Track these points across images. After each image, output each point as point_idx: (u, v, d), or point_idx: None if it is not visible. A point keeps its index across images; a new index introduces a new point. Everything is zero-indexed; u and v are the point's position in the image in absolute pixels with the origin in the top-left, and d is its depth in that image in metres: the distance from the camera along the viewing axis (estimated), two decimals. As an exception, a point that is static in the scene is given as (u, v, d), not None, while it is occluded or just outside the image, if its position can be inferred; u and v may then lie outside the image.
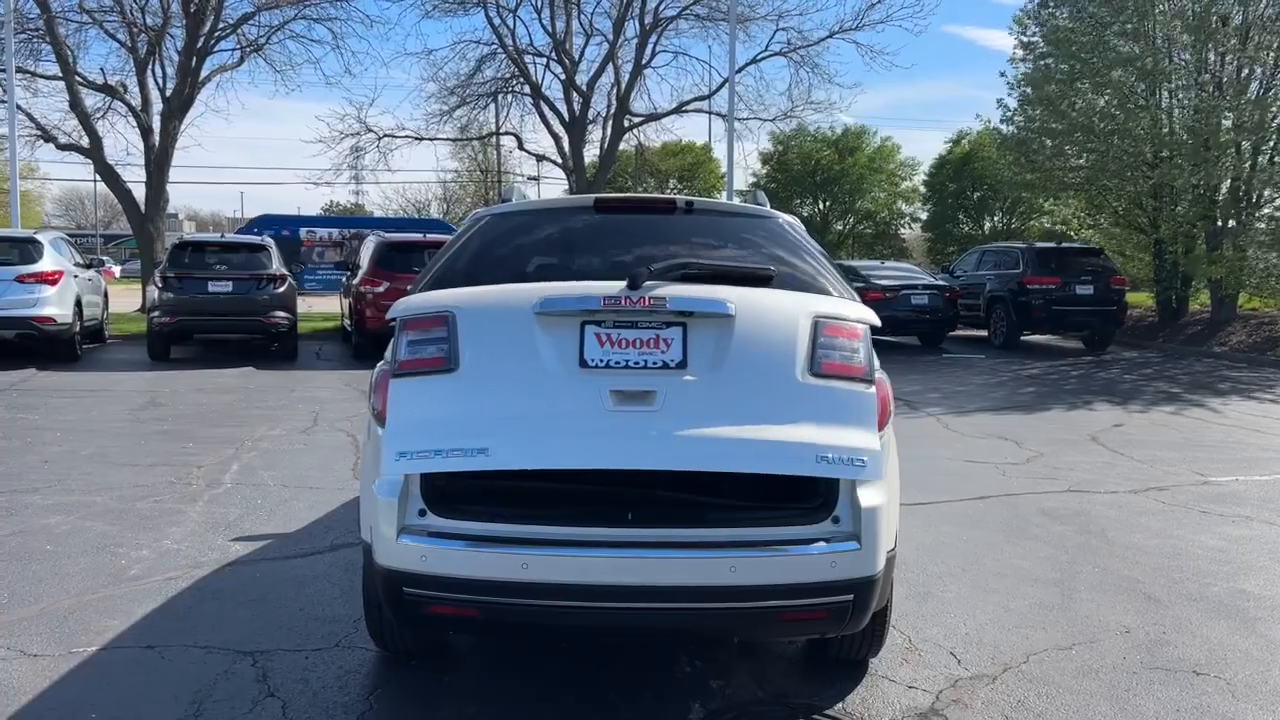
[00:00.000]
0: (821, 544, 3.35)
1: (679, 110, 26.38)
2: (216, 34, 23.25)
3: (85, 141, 22.82)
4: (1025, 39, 21.15)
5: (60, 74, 21.98)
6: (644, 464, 3.24)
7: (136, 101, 23.36)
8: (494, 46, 25.68)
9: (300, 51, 26.03)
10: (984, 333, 19.52)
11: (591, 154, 28.02)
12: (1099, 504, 7.02)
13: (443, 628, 3.76)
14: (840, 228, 49.48)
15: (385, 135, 27.24)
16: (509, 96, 27.48)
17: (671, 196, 3.96)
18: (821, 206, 49.16)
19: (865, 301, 14.94)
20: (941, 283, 18.96)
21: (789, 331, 3.41)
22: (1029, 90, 20.89)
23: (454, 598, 3.33)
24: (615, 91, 26.37)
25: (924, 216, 47.71)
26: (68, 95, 22.02)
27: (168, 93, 22.77)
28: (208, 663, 4.05)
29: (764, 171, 48.78)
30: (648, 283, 3.41)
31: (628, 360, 3.34)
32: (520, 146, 28.68)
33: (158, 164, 22.55)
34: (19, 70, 22.52)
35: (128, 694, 3.77)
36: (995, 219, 43.33)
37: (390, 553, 3.37)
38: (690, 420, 3.27)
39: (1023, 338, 19.03)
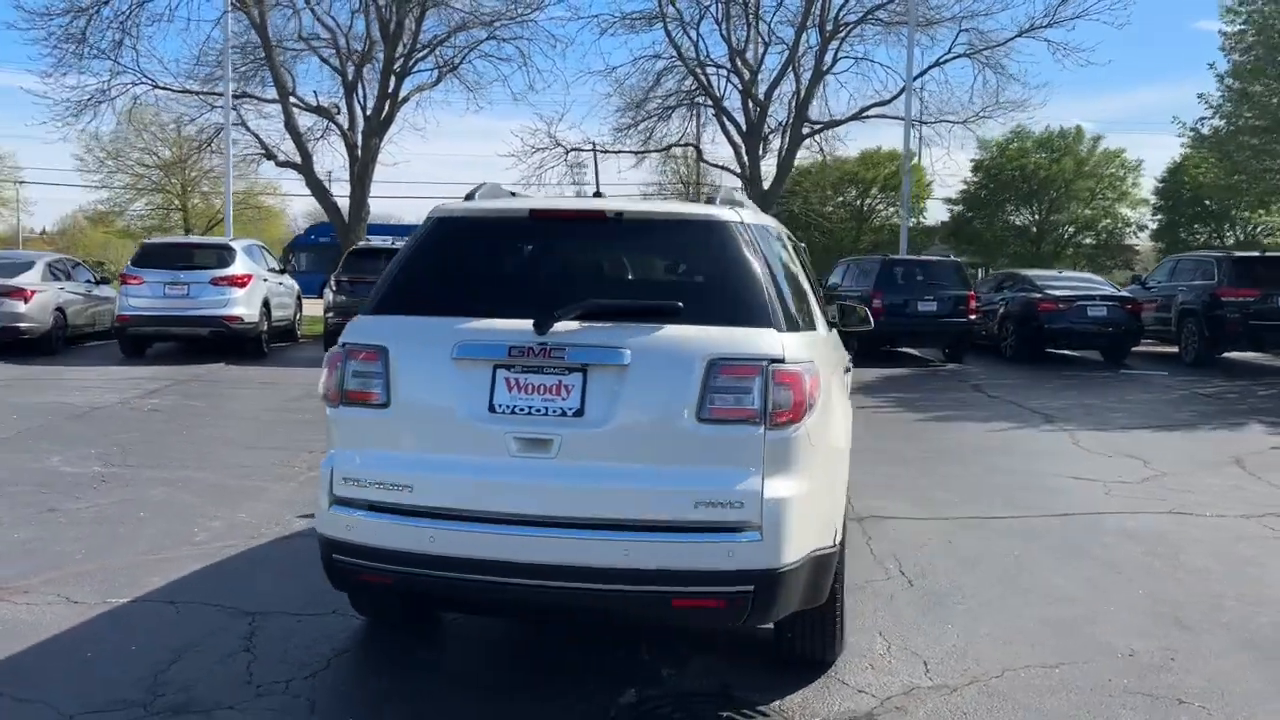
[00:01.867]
0: (715, 531, 3.36)
1: (858, 116, 25.92)
2: (415, 55, 24.81)
3: (299, 159, 24.86)
4: (1234, 28, 19.46)
5: (277, 97, 24.05)
6: (539, 511, 3.42)
7: (345, 122, 25.27)
8: (673, 60, 26.09)
9: (489, 70, 27.18)
10: (1175, 349, 18.12)
11: (772, 164, 27.92)
12: (1195, 527, 6.49)
13: (375, 595, 3.99)
14: (1058, 236, 46.81)
15: (572, 149, 28.15)
16: (690, 108, 27.82)
17: (602, 207, 3.92)
18: (1035, 215, 46.81)
19: (1037, 312, 14.31)
20: (1124, 294, 17.75)
21: (682, 377, 3.42)
22: (1234, 84, 19.23)
23: (374, 566, 3.58)
24: (795, 100, 26.23)
25: (1153, 225, 44.34)
26: (283, 116, 24.06)
27: (368, 112, 24.47)
28: (212, 619, 4.47)
29: (975, 178, 46.82)
30: (556, 326, 3.48)
31: (531, 406, 3.48)
32: (700, 158, 29.00)
33: (359, 178, 24.31)
34: (245, 95, 24.90)
35: (128, 640, 4.23)
36: (1239, 229, 39.62)
37: (324, 521, 3.67)
38: (582, 470, 3.44)
39: (1221, 355, 17.51)
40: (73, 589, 4.81)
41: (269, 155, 26.17)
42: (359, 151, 24.60)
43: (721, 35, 26.31)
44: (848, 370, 5.31)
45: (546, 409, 3.48)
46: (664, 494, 3.39)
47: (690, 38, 26.44)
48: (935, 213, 52.37)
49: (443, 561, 3.45)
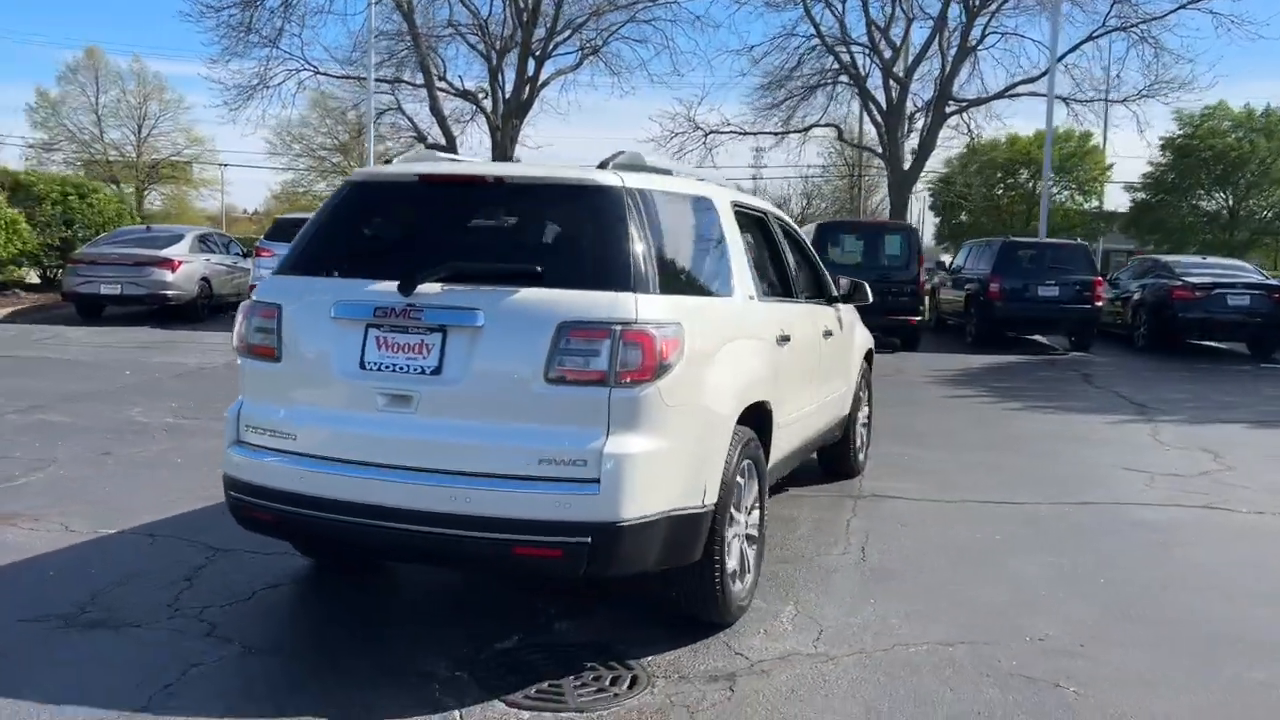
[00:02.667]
0: (556, 483, 3.47)
1: (1004, 94, 24.87)
2: (554, 39, 25.39)
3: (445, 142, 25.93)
4: None
5: (423, 83, 25.12)
6: (400, 462, 3.62)
7: (490, 105, 26.17)
8: (811, 38, 25.69)
9: (631, 54, 27.53)
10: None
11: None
12: (1219, 521, 6.10)
13: (271, 533, 4.23)
14: (1256, 223, 43.36)
15: (711, 132, 28.16)
16: (831, 87, 27.33)
17: (482, 172, 4.06)
18: (1229, 200, 43.56)
19: (1171, 300, 13.67)
20: (1272, 283, 16.43)
21: (532, 339, 3.53)
22: None
23: (258, 503, 3.88)
24: (940, 78, 25.40)
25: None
26: (429, 100, 25.12)
27: (507, 95, 25.23)
28: (177, 552, 4.88)
29: (1164, 159, 43.79)
30: (421, 288, 3.64)
31: (396, 364, 3.69)
32: (840, 137, 28.45)
33: (496, 160, 25.10)
34: (397, 80, 26.13)
35: (92, 564, 4.69)
36: None
37: (224, 460, 4.00)
38: (438, 425, 3.62)
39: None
40: (76, 520, 5.34)
41: (420, 138, 27.39)
42: (499, 135, 25.42)
43: (866, 13, 25.72)
44: (828, 333, 5.75)
45: (409, 367, 3.67)
46: (510, 450, 3.53)
47: (835, 14, 25.98)
48: (1116, 198, 49.57)
49: (313, 501, 3.71)
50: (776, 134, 28.39)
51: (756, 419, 4.42)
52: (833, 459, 6.84)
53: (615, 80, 27.06)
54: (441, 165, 4.24)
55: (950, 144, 29.87)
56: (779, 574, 4.87)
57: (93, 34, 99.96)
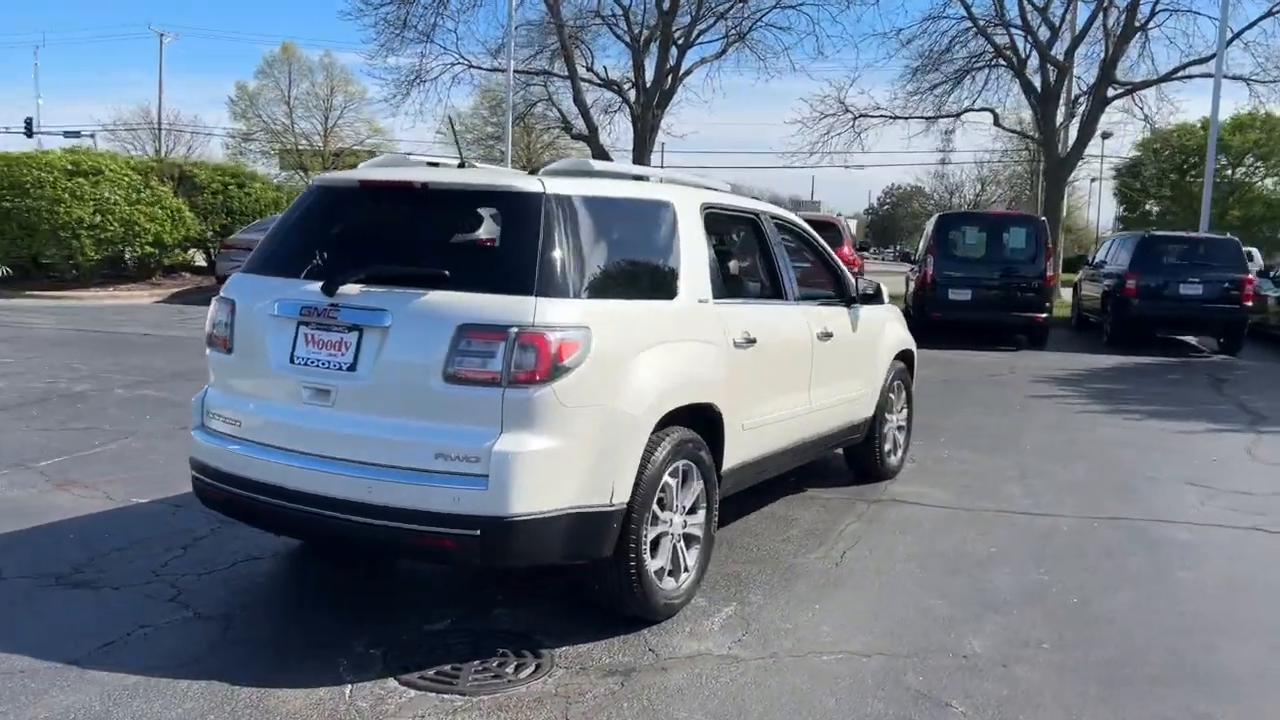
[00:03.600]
0: (450, 477, 3.66)
1: (1172, 76, 23.29)
2: (698, 27, 25.48)
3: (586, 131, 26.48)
4: None
5: (567, 74, 25.69)
6: (319, 451, 3.90)
7: (634, 95, 26.54)
8: (962, 19, 24.79)
9: (774, 40, 27.15)
10: None
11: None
12: (1255, 544, 5.72)
13: (223, 511, 4.52)
14: None
15: (860, 115, 27.61)
16: (987, 71, 26.31)
17: (410, 178, 4.20)
18: None
19: None
20: None
21: (433, 340, 3.72)
22: None
23: (208, 483, 4.25)
24: (1103, 59, 24.06)
25: None
26: (572, 91, 25.69)
27: (647, 84, 25.49)
28: (189, 522, 5.33)
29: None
30: (342, 289, 3.90)
31: (319, 360, 3.97)
32: (996, 123, 27.31)
33: (637, 149, 25.43)
34: (542, 72, 26.82)
35: (110, 529, 5.20)
36: None
37: (191, 444, 4.37)
38: (351, 418, 3.88)
39: None
40: (118, 488, 5.91)
41: (566, 128, 28.08)
42: (639, 125, 25.74)
43: (1024, -4, 24.60)
44: (827, 335, 5.77)
45: (329, 363, 3.94)
46: (411, 445, 3.74)
47: (998, -1, 24.98)
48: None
49: (250, 484, 4.03)
50: (927, 119, 27.57)
51: (702, 420, 4.48)
52: (859, 461, 6.77)
53: (762, 64, 26.87)
54: (379, 171, 4.48)
55: (1123, 129, 28.22)
56: (741, 573, 4.91)
57: (288, 30, 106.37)
